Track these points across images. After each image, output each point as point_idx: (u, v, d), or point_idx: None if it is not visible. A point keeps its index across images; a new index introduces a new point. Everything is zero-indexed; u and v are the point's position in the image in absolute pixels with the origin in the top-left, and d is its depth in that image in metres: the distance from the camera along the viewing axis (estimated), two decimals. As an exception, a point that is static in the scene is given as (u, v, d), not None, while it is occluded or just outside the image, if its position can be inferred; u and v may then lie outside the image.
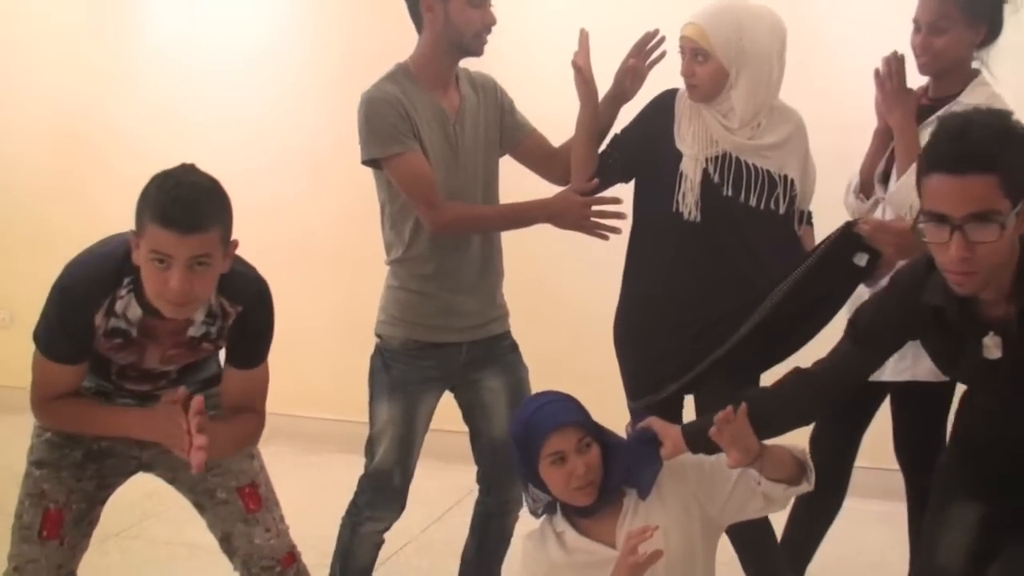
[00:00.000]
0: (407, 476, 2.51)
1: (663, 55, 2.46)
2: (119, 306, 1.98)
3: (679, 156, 2.34)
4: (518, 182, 2.66)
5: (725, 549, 2.14)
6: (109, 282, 1.96)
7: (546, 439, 1.80)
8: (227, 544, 2.22)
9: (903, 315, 1.83)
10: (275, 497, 2.27)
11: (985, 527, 1.90)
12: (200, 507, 2.25)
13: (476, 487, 2.69)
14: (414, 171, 2.36)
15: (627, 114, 2.49)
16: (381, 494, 2.50)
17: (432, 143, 2.39)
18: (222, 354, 2.17)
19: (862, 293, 2.29)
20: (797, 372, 1.95)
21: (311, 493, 3.30)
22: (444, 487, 3.61)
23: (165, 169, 1.91)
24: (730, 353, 2.30)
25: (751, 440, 1.75)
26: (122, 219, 2.05)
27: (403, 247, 2.46)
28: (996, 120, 1.63)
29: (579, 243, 2.56)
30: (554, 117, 2.63)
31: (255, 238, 2.16)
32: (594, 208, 2.42)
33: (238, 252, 2.01)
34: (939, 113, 2.36)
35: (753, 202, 2.31)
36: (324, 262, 4.48)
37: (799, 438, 2.00)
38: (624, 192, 2.44)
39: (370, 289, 2.63)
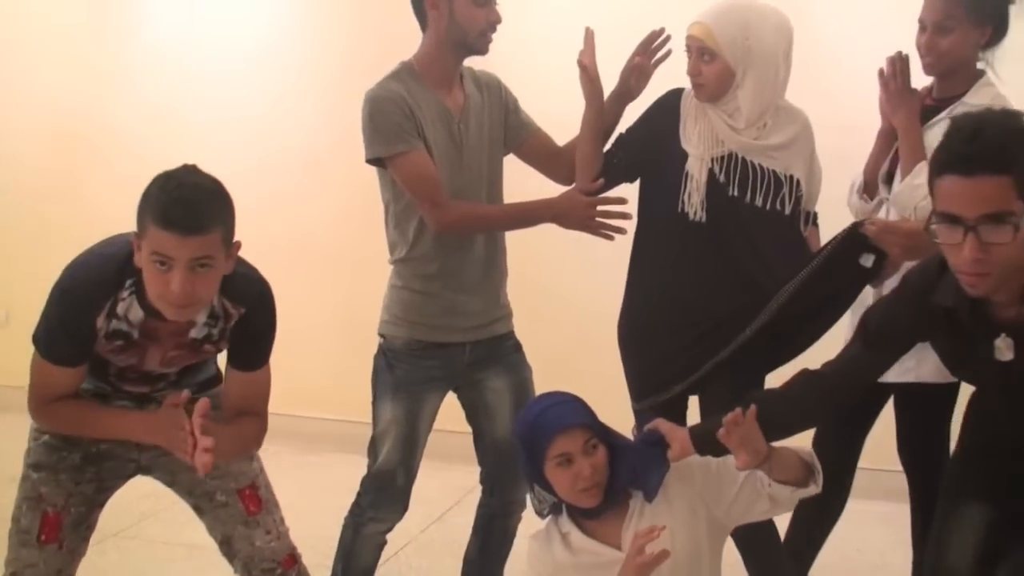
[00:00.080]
0: (410, 476, 2.50)
1: (669, 54, 2.46)
2: (121, 308, 1.96)
3: (685, 156, 2.33)
4: (522, 181, 2.65)
5: (730, 550, 2.13)
6: (111, 284, 1.94)
7: (552, 441, 1.78)
8: (227, 547, 2.20)
9: (914, 316, 1.83)
10: (275, 499, 2.25)
11: (994, 528, 1.89)
12: (199, 510, 2.22)
13: (477, 487, 2.68)
14: (419, 170, 2.35)
15: (632, 113, 2.48)
16: (384, 494, 2.49)
17: (436, 142, 2.38)
18: (221, 356, 2.15)
19: (867, 294, 2.28)
20: (805, 373, 1.94)
21: (311, 493, 3.29)
22: (444, 487, 3.61)
23: (167, 170, 1.88)
24: (735, 354, 2.29)
25: (760, 442, 1.74)
26: (121, 219, 2.04)
27: (407, 247, 2.45)
28: (1010, 121, 1.62)
29: (583, 243, 2.56)
30: (559, 116, 2.63)
31: (255, 238, 2.15)
32: (599, 208, 2.41)
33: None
34: (944, 114, 2.36)
35: (759, 202, 2.30)
36: (324, 262, 4.47)
37: (801, 440, 1.99)
38: (629, 192, 2.43)
39: (370, 289, 2.62)
